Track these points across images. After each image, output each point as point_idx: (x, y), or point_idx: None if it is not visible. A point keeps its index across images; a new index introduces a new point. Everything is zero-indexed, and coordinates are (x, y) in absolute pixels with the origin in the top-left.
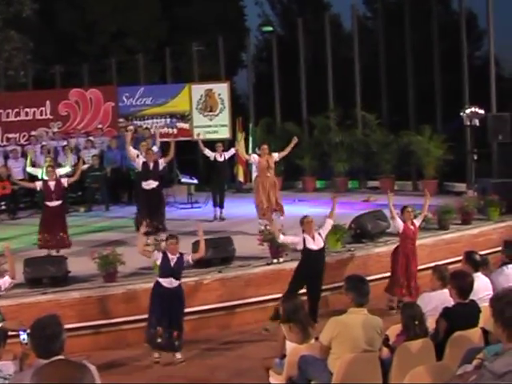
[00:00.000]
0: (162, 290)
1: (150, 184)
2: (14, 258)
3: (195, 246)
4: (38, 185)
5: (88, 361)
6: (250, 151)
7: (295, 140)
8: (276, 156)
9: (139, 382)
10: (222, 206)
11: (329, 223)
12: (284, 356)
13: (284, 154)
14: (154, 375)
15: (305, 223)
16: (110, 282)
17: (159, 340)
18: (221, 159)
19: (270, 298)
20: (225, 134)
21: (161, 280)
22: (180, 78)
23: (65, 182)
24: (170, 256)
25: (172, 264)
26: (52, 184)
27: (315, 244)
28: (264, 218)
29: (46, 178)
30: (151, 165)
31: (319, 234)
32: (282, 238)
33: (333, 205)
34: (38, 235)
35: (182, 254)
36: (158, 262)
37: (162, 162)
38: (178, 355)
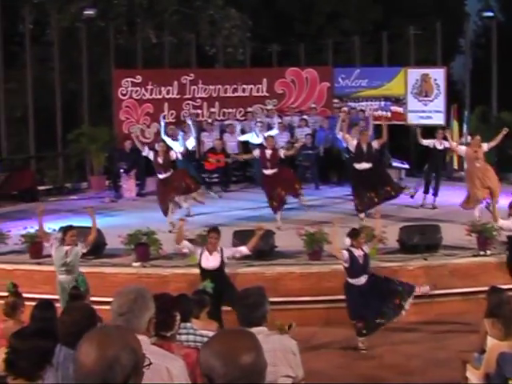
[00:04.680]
0: (356, 290)
1: (363, 165)
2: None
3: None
4: (255, 153)
5: (289, 335)
6: (464, 139)
7: (505, 131)
8: (485, 146)
9: (334, 362)
10: (436, 194)
11: None
12: (484, 351)
13: (493, 144)
14: (350, 358)
15: None
16: (314, 260)
17: (364, 331)
18: (440, 147)
19: (474, 290)
20: (439, 120)
21: (352, 281)
22: (395, 61)
23: (281, 153)
24: (356, 253)
25: (361, 261)
26: (269, 152)
27: None
28: (468, 208)
29: (264, 144)
30: (364, 147)
31: None
32: (500, 223)
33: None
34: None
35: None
36: (347, 265)
37: (374, 145)
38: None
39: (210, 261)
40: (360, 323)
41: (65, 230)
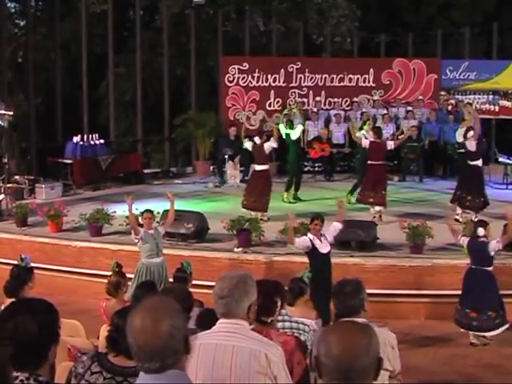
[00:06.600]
0: (473, 276)
1: (473, 162)
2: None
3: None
4: (364, 143)
5: (388, 328)
6: None
7: None
8: None
9: (431, 358)
10: None
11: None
12: None
13: None
14: (447, 354)
15: None
16: (416, 254)
17: (474, 323)
18: None
19: None
20: None
21: (473, 266)
22: (505, 54)
23: (390, 144)
24: (478, 240)
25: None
26: (377, 143)
27: None
28: None
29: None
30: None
31: None
32: None
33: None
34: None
35: (488, 240)
36: (465, 245)
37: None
38: (488, 334)
39: (324, 246)
40: (473, 313)
41: (142, 213)
